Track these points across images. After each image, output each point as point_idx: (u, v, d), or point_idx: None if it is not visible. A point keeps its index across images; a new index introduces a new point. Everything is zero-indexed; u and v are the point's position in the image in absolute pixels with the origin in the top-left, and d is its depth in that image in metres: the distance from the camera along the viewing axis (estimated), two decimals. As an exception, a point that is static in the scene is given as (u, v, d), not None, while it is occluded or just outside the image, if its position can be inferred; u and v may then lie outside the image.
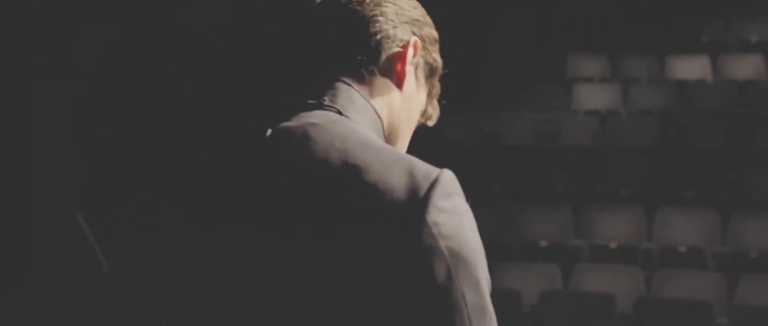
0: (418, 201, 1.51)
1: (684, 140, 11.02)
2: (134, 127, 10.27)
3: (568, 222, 9.85)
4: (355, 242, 1.52)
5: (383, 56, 1.78)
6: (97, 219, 7.78)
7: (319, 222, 1.56)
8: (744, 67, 12.45)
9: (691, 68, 12.48)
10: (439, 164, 1.61)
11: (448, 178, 1.55)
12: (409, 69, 1.81)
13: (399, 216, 1.51)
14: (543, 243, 9.45)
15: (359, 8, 1.79)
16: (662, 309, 8.19)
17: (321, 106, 1.75)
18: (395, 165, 1.57)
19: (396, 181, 1.54)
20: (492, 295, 1.58)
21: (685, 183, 10.23)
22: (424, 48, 1.83)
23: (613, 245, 9.30)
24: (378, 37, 1.77)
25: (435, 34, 1.87)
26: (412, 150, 1.84)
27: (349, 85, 1.78)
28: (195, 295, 1.74)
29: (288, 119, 1.74)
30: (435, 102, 1.93)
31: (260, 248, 1.62)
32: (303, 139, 1.66)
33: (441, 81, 1.94)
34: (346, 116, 1.74)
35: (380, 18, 1.78)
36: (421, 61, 1.84)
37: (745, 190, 10.04)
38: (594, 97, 12.16)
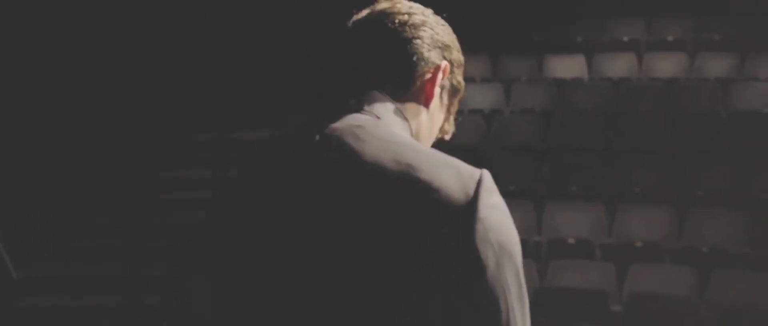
0: (469, 198, 1.67)
1: (565, 137, 11.39)
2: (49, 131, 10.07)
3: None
4: (415, 234, 1.66)
5: (417, 77, 1.95)
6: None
7: (379, 218, 1.68)
8: (617, 66, 12.93)
9: (568, 67, 12.90)
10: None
11: (489, 177, 1.72)
12: (437, 90, 1.99)
13: (454, 212, 1.67)
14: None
15: (401, 29, 1.96)
16: (559, 298, 8.46)
17: (359, 111, 1.89)
18: (443, 165, 1.72)
19: (447, 180, 1.69)
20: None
21: (569, 178, 10.57)
22: (451, 71, 2.03)
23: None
24: (415, 58, 1.95)
25: (461, 58, 2.07)
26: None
27: (385, 96, 1.93)
28: (254, 290, 1.83)
29: (329, 121, 1.85)
30: (452, 118, 2.13)
31: (322, 244, 1.73)
32: (353, 139, 1.78)
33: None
34: (383, 122, 1.89)
35: (418, 41, 1.96)
36: (448, 83, 2.04)
37: (625, 184, 10.43)
38: (477, 96, 12.44)
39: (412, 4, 2.03)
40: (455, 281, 1.65)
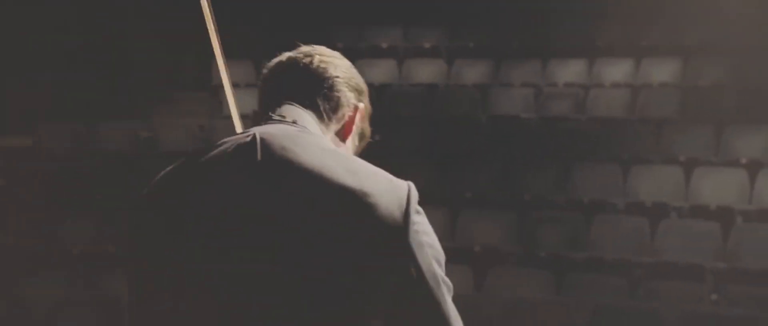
0: (402, 207, 1.90)
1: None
2: None
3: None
4: (356, 232, 1.87)
5: (338, 110, 2.21)
6: None
7: (322, 216, 1.87)
8: (378, 72, 13.18)
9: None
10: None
11: (414, 188, 1.96)
12: (353, 128, 2.25)
13: (391, 217, 1.89)
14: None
15: (324, 67, 2.23)
16: None
17: (288, 123, 2.09)
18: (376, 173, 1.95)
19: (383, 188, 1.92)
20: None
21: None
22: (363, 118, 2.28)
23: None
24: (337, 94, 2.22)
25: (370, 107, 2.32)
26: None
27: (311, 116, 2.17)
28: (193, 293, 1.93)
29: (260, 127, 2.07)
30: (361, 143, 2.35)
31: (263, 241, 1.88)
32: (290, 141, 1.97)
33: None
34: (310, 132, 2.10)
35: (339, 80, 2.22)
36: (359, 126, 2.29)
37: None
38: (243, 102, 12.31)
39: (332, 51, 2.29)
40: (394, 278, 1.87)
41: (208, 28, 2.51)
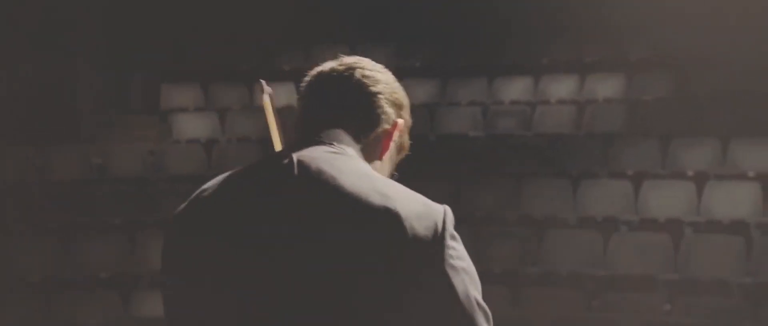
0: (438, 230, 1.96)
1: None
2: None
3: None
4: (389, 254, 1.92)
5: (377, 127, 2.21)
6: None
7: (357, 239, 1.93)
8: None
9: (278, 95, 13.03)
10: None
11: (450, 212, 2.02)
12: (391, 144, 2.25)
13: (426, 240, 1.94)
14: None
15: (365, 83, 2.21)
16: None
17: (324, 144, 2.12)
18: (412, 197, 2.00)
19: (419, 210, 1.97)
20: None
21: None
22: (402, 132, 2.29)
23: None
24: (378, 111, 2.20)
25: (410, 120, 2.33)
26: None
27: (348, 137, 2.17)
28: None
29: (299, 150, 2.09)
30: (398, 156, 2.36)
31: (297, 259, 1.94)
32: (328, 166, 2.02)
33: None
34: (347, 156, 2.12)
35: (380, 96, 2.22)
36: (399, 140, 2.29)
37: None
38: (193, 126, 12.35)
39: (375, 63, 2.28)
40: (427, 301, 1.92)
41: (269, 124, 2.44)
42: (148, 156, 11.50)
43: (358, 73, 2.23)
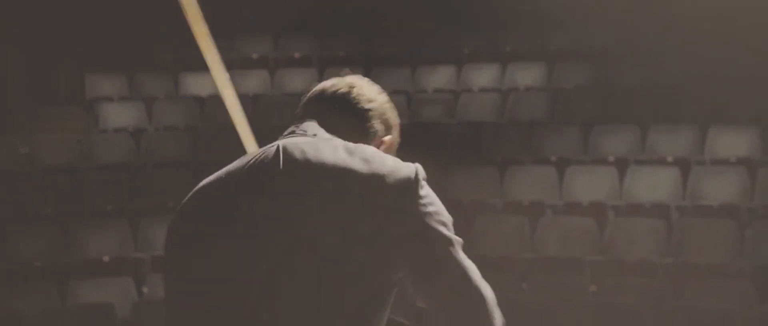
0: (411, 180, 2.26)
1: (212, 152, 11.61)
2: None
3: (126, 237, 10.00)
4: (372, 205, 2.22)
5: (366, 139, 2.44)
6: None
7: (338, 197, 2.23)
8: (251, 82, 13.32)
9: (204, 85, 13.10)
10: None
11: (421, 167, 2.30)
12: None
13: (403, 188, 2.24)
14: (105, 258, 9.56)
15: (359, 99, 2.48)
16: (157, 310, 8.63)
17: (307, 136, 2.38)
18: (387, 158, 2.30)
19: (393, 166, 2.27)
20: None
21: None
22: (390, 148, 2.53)
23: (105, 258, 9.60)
24: (367, 125, 2.47)
25: (399, 139, 2.57)
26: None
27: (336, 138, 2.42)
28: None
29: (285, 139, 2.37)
30: None
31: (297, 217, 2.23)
32: (310, 145, 2.30)
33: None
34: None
35: (371, 113, 2.48)
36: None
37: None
38: (119, 115, 12.34)
39: (372, 84, 2.53)
40: (408, 237, 2.22)
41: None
42: (77, 145, 11.46)
43: (354, 91, 2.48)
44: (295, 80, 13.46)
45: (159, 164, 11.28)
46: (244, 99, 12.76)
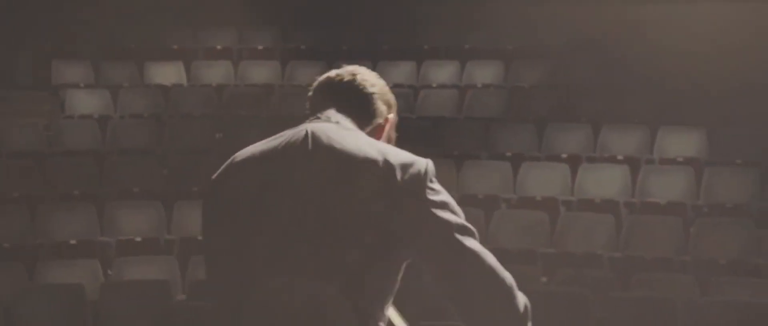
0: (421, 172, 2.58)
1: (177, 140, 11.86)
2: None
3: (92, 221, 10.23)
4: (386, 192, 2.56)
5: (372, 119, 2.79)
6: None
7: (356, 182, 2.58)
8: (215, 73, 13.57)
9: (168, 74, 13.35)
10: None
11: (431, 163, 2.62)
12: (383, 136, 2.83)
13: (414, 180, 2.57)
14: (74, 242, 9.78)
15: (363, 85, 2.81)
16: (124, 291, 8.99)
17: (331, 122, 2.72)
18: (401, 153, 2.62)
19: (407, 160, 2.59)
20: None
21: (190, 179, 10.98)
22: (391, 127, 2.88)
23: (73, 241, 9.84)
24: (372, 106, 2.80)
25: (397, 118, 2.88)
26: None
27: (354, 125, 2.77)
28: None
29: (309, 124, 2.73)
30: None
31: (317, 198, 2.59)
32: (334, 132, 2.65)
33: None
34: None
35: (374, 96, 2.81)
36: (388, 133, 2.86)
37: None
38: (85, 102, 12.56)
39: (371, 71, 2.87)
40: (418, 222, 2.55)
41: None
42: (44, 131, 11.67)
43: (358, 78, 2.81)
44: (257, 72, 13.74)
45: (124, 151, 11.53)
46: (207, 88, 13.11)
